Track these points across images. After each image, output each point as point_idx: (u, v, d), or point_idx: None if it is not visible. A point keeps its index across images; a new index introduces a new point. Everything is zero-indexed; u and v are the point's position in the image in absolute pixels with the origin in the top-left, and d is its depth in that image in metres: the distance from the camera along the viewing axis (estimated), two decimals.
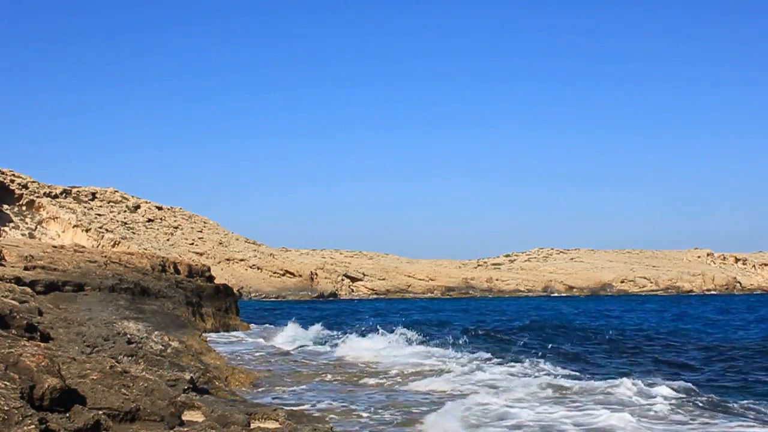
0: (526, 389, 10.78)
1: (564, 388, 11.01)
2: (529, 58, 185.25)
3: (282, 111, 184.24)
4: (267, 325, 27.28)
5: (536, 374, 12.60)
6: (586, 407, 9.40)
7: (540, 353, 15.65)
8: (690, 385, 11.16)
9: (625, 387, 10.63)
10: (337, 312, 41.12)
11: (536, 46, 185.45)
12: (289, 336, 20.96)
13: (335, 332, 21.48)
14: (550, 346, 17.54)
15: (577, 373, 12.95)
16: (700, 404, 9.85)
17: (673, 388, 10.69)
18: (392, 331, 19.02)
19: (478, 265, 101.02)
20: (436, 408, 9.20)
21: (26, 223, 66.47)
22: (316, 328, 22.07)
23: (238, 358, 15.34)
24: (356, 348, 17.04)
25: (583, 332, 22.86)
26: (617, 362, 15.54)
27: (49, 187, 72.08)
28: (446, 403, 9.52)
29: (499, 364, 14.25)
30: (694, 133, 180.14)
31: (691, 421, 8.86)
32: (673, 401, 9.92)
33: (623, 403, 9.81)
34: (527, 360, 14.49)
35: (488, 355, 15.42)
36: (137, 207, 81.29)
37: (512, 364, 14.12)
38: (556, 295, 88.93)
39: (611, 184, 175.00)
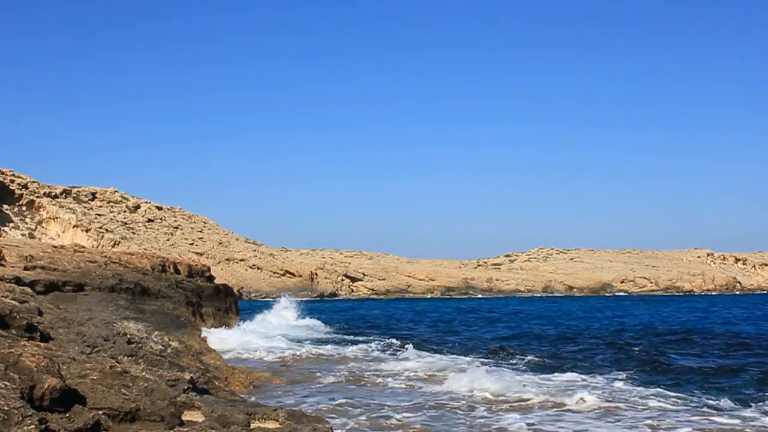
0: None
1: None
2: (528, 58, 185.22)
3: (282, 111, 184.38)
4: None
5: None
6: None
7: None
8: None
9: None
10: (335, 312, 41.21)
11: (536, 42, 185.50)
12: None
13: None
14: None
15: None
16: None
17: None
18: None
19: (478, 265, 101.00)
20: None
21: (26, 223, 66.46)
22: None
23: None
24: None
25: None
26: None
27: (49, 187, 72.08)
28: None
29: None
30: (694, 133, 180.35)
31: None
32: None
33: None
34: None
35: None
36: (137, 207, 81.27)
37: None
38: (556, 295, 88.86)
39: (611, 184, 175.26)
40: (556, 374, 13.30)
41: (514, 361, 15.62)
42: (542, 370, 14.20)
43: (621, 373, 13.54)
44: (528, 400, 10.43)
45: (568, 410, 9.72)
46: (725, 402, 10.53)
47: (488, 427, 8.71)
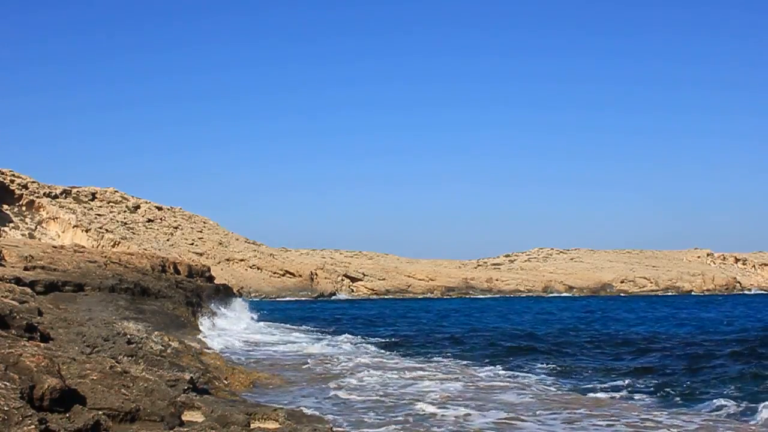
0: None
1: None
2: (528, 57, 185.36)
3: (283, 111, 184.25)
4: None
5: None
6: None
7: None
8: None
9: None
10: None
11: (535, 45, 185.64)
12: None
13: None
14: None
15: None
16: None
17: None
18: None
19: (478, 265, 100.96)
20: None
21: (26, 224, 66.47)
22: None
23: None
24: None
25: None
26: None
27: (49, 187, 72.08)
28: None
29: None
30: (694, 133, 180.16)
31: None
32: None
33: None
34: None
35: None
36: (137, 207, 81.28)
37: None
38: (555, 295, 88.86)
39: (611, 184, 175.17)
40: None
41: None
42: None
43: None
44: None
45: None
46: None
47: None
